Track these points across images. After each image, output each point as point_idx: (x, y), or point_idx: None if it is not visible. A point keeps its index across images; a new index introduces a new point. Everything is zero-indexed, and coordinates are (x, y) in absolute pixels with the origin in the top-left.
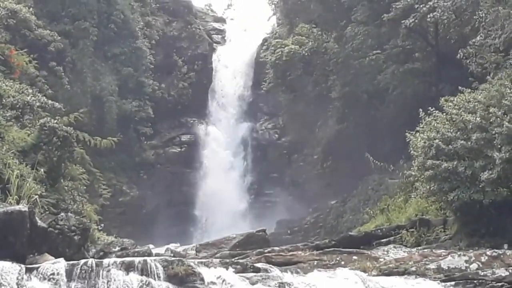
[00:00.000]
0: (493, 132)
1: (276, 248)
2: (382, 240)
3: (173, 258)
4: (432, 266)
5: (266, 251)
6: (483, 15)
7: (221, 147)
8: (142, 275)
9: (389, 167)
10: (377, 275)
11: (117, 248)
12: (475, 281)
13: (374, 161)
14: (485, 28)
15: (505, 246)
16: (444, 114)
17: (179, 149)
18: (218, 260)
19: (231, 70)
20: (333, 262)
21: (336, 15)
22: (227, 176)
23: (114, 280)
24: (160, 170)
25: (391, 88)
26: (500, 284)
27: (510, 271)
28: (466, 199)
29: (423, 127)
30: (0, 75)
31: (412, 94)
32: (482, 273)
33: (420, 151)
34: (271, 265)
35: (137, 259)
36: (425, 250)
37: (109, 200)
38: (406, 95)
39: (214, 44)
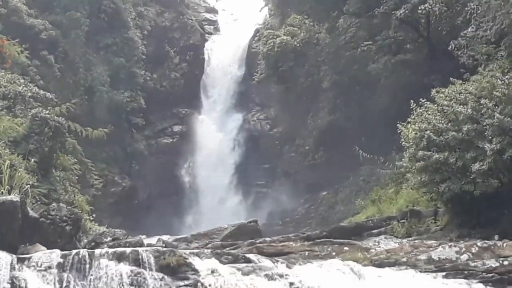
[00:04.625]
0: (484, 124)
1: (268, 239)
2: (373, 231)
3: (165, 249)
4: (423, 257)
5: (257, 241)
6: (475, 6)
7: (212, 137)
8: (134, 265)
9: (380, 158)
10: (368, 265)
11: (109, 239)
12: (465, 272)
13: (364, 153)
14: (477, 19)
15: (496, 237)
16: (436, 105)
17: (171, 140)
18: (209, 250)
19: (223, 60)
20: (324, 253)
21: (328, 6)
22: (218, 166)
23: (106, 270)
24: (152, 160)
25: (383, 79)
26: (490, 275)
27: (500, 262)
28: (457, 190)
29: (414, 118)
30: None
31: (403, 85)
32: (472, 264)
33: (411, 142)
34: (262, 256)
35: (129, 250)
36: (416, 241)
37: (101, 190)
38: (397, 86)
39: (206, 35)
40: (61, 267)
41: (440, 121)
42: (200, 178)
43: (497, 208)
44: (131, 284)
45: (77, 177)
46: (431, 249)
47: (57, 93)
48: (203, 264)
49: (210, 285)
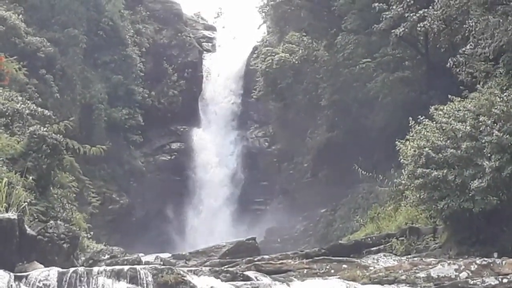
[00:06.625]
0: (483, 141)
1: (266, 257)
2: (372, 249)
3: (162, 266)
4: (422, 274)
5: (256, 259)
6: (473, 24)
7: (211, 154)
8: (131, 283)
9: (379, 175)
10: (367, 283)
11: (107, 256)
12: None
13: (362, 171)
14: (475, 37)
15: (495, 254)
16: (434, 122)
17: (169, 157)
18: (207, 268)
19: (221, 78)
20: (323, 271)
21: (326, 24)
22: (216, 184)
23: None
24: (150, 178)
25: (381, 96)
26: None
27: (499, 279)
28: (456, 207)
29: (413, 136)
30: None
31: (402, 103)
32: (471, 282)
33: (410, 159)
34: (261, 274)
35: (126, 267)
36: (415, 258)
37: (99, 208)
38: (396, 103)
39: (204, 52)
40: (58, 285)
41: (439, 139)
42: (198, 196)
43: (496, 225)
44: None
45: (74, 195)
46: (430, 266)
47: (55, 111)
48: (201, 282)
49: None
